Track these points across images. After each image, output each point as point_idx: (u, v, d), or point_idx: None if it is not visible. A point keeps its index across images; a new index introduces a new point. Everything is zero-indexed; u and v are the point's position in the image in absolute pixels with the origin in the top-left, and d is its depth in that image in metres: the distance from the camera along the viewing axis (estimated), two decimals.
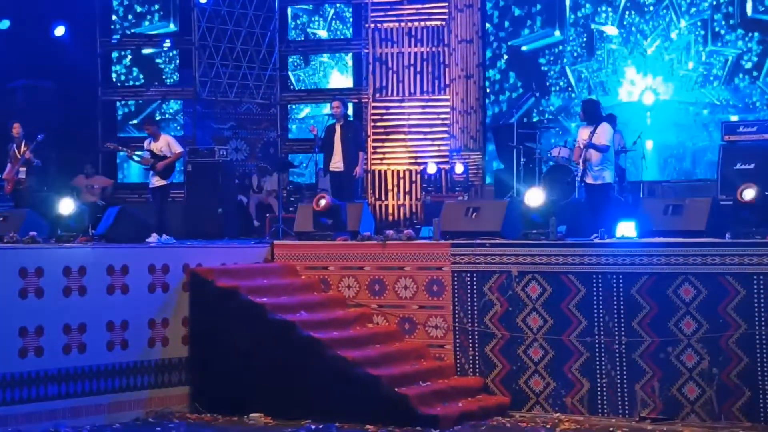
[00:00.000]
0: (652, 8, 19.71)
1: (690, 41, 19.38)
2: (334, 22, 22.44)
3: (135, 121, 22.23)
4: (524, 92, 20.62)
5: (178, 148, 17.04)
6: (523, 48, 20.72)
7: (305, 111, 22.50)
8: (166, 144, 16.94)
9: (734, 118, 18.56)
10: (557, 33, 20.49)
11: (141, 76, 22.53)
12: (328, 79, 22.53)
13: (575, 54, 20.33)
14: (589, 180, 14.73)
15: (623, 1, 19.97)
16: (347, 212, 15.09)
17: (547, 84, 20.47)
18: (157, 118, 21.97)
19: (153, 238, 14.83)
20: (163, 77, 22.64)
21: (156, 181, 16.90)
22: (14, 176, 16.94)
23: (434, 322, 13.83)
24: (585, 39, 20.20)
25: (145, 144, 17.07)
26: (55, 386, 12.27)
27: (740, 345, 12.22)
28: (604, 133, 14.59)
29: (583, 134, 14.85)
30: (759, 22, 18.94)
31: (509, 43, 20.86)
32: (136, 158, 17.29)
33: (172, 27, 22.43)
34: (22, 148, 16.95)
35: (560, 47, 20.40)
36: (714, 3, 19.19)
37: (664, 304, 12.55)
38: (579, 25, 20.23)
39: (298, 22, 22.52)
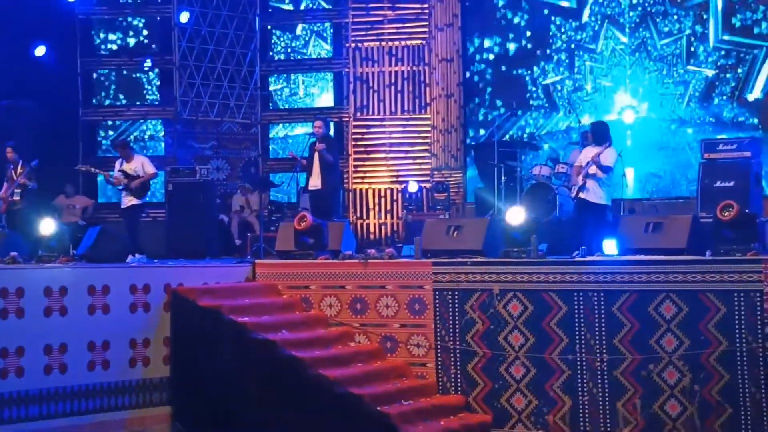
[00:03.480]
0: (629, 27, 19.76)
1: (669, 59, 19.44)
2: (313, 41, 22.45)
3: (107, 143, 22.17)
4: (505, 110, 20.65)
5: (151, 169, 17.08)
6: (502, 68, 20.75)
7: (275, 130, 22.45)
8: (140, 164, 16.96)
9: (714, 136, 18.60)
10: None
11: (121, 96, 22.48)
12: (313, 98, 22.52)
13: (554, 72, 20.36)
14: (583, 194, 14.68)
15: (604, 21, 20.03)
16: (329, 231, 15.10)
17: (529, 102, 20.48)
18: (134, 137, 21.96)
19: (128, 258, 14.82)
20: (145, 96, 22.60)
21: (129, 201, 16.87)
22: (9, 197, 16.92)
23: (416, 340, 13.84)
24: (566, 57, 20.24)
25: (117, 165, 17.05)
26: (36, 407, 12.24)
27: (721, 362, 12.26)
28: (611, 156, 14.68)
29: (591, 153, 14.86)
30: (736, 41, 19.01)
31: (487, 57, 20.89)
32: (110, 179, 17.24)
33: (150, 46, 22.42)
34: (18, 170, 16.93)
35: (541, 65, 20.43)
36: (693, 21, 19.25)
37: (645, 322, 12.59)
38: (561, 42, 20.27)
39: (280, 41, 22.51)
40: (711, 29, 19.15)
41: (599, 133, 14.97)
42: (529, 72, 20.47)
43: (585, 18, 20.05)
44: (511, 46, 20.66)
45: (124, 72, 22.40)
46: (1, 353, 11.99)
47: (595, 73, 20.01)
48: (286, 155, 21.37)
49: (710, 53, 19.12)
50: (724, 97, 19.04)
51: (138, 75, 22.44)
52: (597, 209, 14.78)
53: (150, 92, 22.38)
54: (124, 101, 22.29)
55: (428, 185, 20.34)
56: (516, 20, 20.62)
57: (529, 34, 20.53)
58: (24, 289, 12.30)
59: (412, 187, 20.15)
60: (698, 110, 19.21)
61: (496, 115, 20.60)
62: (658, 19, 19.53)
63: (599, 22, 20.00)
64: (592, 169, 14.67)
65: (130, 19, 22.15)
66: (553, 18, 20.30)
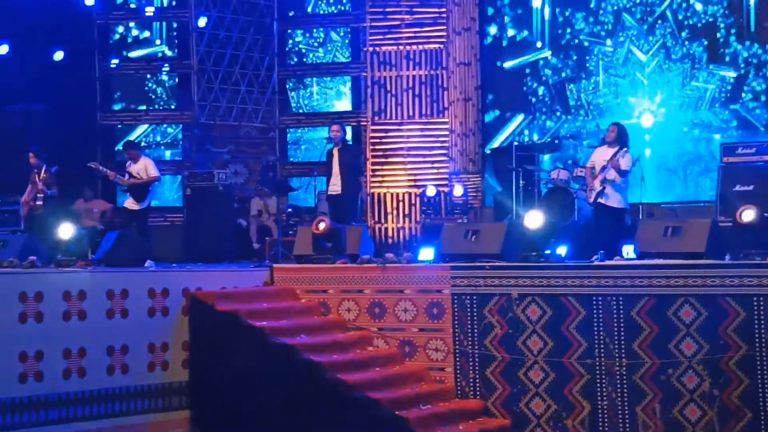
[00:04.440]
0: (647, 28, 19.76)
1: (689, 62, 19.41)
2: (331, 45, 22.48)
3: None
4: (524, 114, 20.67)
5: (153, 173, 16.87)
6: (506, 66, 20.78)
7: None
8: (143, 167, 16.81)
9: (733, 139, 18.57)
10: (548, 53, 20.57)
11: (139, 100, 22.54)
12: (331, 102, 22.55)
13: (572, 76, 20.36)
14: (602, 200, 14.66)
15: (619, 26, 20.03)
16: (347, 235, 15.09)
17: (546, 105, 20.48)
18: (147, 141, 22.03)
19: (146, 263, 14.85)
20: (162, 101, 22.66)
21: (130, 205, 16.79)
22: (32, 201, 17.00)
23: (434, 344, 13.81)
24: (583, 60, 20.23)
25: (127, 166, 16.99)
26: (55, 411, 12.22)
27: (741, 366, 12.19)
28: (629, 159, 14.65)
29: (605, 154, 14.83)
30: (757, 44, 18.98)
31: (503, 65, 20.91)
32: (116, 179, 17.19)
33: (168, 51, 22.47)
34: (42, 175, 17.00)
35: (556, 68, 20.44)
36: (712, 21, 19.22)
37: (664, 326, 12.52)
38: (575, 46, 20.27)
39: (298, 46, 22.54)
40: (739, 29, 19.12)
41: (621, 135, 14.90)
42: (548, 74, 20.49)
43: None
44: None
45: (143, 76, 22.45)
46: (21, 357, 11.99)
47: (612, 75, 19.98)
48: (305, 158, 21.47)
49: (733, 55, 19.08)
50: (746, 100, 18.99)
51: (156, 79, 22.49)
52: (616, 213, 14.77)
53: (168, 96, 22.43)
54: (142, 105, 22.33)
55: (446, 189, 20.33)
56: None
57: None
58: (43, 293, 12.30)
59: (431, 192, 20.14)
60: (719, 113, 19.17)
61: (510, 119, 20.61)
62: (679, 22, 19.54)
63: (617, 24, 20.01)
64: (611, 174, 14.63)
65: (148, 23, 22.20)
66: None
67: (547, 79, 20.51)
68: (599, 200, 14.73)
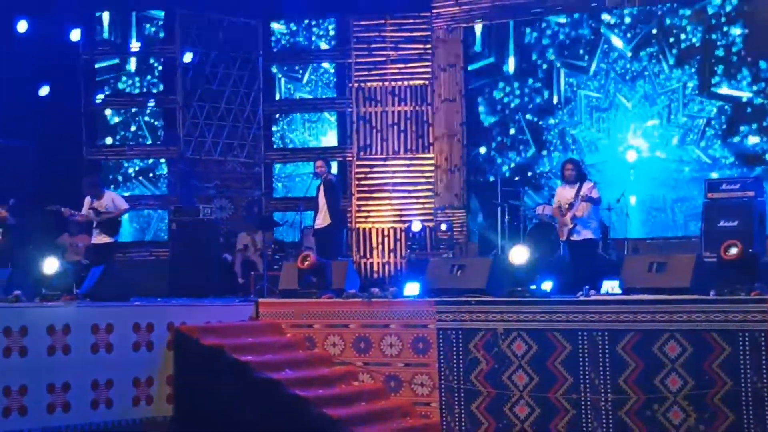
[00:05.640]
0: (633, 65, 19.85)
1: (672, 98, 19.50)
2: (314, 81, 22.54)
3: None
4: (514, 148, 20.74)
5: (123, 205, 16.77)
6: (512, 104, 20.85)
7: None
8: (110, 201, 16.64)
9: (716, 175, 18.64)
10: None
11: (124, 135, 22.54)
12: (318, 138, 22.59)
13: (561, 113, 20.43)
14: (575, 237, 14.94)
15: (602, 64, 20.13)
16: (332, 270, 15.09)
17: (541, 141, 20.54)
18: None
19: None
20: (148, 136, 22.67)
21: (101, 239, 16.69)
22: None
23: (420, 379, 13.80)
24: (570, 97, 20.32)
25: (86, 203, 16.80)
26: None
27: (726, 402, 12.19)
28: (594, 188, 14.90)
29: (567, 193, 15.09)
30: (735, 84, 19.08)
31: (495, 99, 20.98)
32: (74, 216, 17.03)
33: (154, 87, 22.49)
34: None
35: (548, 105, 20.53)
36: (699, 59, 19.33)
37: (649, 362, 12.54)
38: (565, 82, 20.36)
39: (284, 81, 22.59)
40: (718, 67, 19.22)
41: (578, 169, 15.30)
42: (533, 111, 20.57)
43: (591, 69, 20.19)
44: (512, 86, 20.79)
45: (128, 112, 22.46)
46: (4, 392, 11.95)
47: (596, 111, 20.07)
48: (288, 194, 21.50)
49: (715, 91, 19.18)
50: (728, 136, 19.07)
51: (142, 115, 22.50)
52: (588, 244, 15.21)
53: (154, 132, 22.43)
54: (128, 141, 22.32)
55: (431, 224, 20.37)
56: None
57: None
58: (27, 327, 12.28)
59: (416, 227, 20.16)
60: (703, 149, 19.24)
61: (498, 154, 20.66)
62: (660, 61, 19.64)
63: (603, 69, 20.12)
64: (579, 210, 14.91)
65: (134, 59, 22.22)
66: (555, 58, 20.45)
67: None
68: (572, 238, 14.99)
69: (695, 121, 19.32)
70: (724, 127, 19.07)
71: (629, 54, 19.83)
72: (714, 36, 19.22)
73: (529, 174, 20.48)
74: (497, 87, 20.89)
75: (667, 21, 19.58)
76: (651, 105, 19.65)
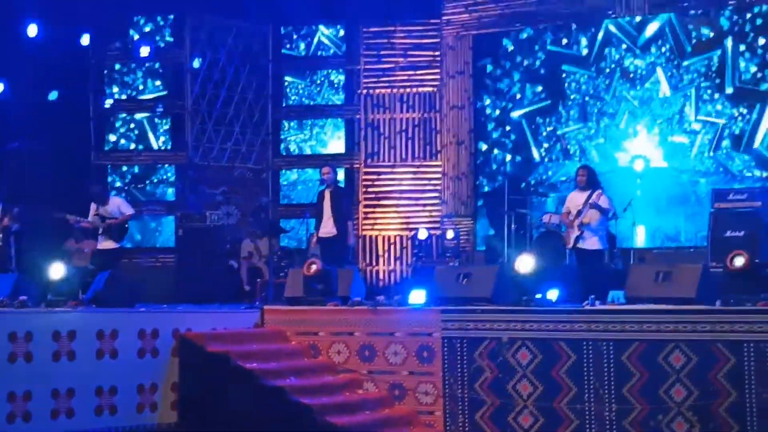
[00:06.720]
0: (641, 75, 19.82)
1: (680, 109, 19.47)
2: (325, 87, 22.54)
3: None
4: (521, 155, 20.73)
5: (129, 210, 16.84)
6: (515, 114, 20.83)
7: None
8: (116, 207, 16.72)
9: (724, 185, 18.60)
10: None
11: (133, 140, 22.56)
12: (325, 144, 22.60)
13: (568, 120, 20.41)
14: (582, 244, 14.91)
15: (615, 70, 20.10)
16: (338, 278, 15.09)
17: (549, 149, 20.53)
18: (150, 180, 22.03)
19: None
20: (157, 141, 22.69)
21: (107, 245, 16.73)
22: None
23: (424, 388, 13.79)
24: (578, 105, 20.30)
25: (92, 209, 16.85)
26: None
27: (730, 413, 12.16)
28: (603, 196, 14.91)
29: (578, 199, 15.07)
30: (747, 90, 19.02)
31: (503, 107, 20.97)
32: (79, 223, 17.07)
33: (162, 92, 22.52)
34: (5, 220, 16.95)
35: (554, 112, 20.50)
36: (703, 71, 19.29)
37: (654, 372, 12.51)
38: (573, 91, 20.34)
39: (292, 87, 22.59)
40: (726, 78, 19.16)
41: (592, 177, 15.29)
42: (541, 119, 20.55)
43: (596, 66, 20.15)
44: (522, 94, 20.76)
45: (137, 117, 22.48)
46: (9, 398, 11.96)
47: (605, 120, 20.05)
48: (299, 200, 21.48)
49: (721, 103, 19.13)
50: (736, 147, 19.02)
51: (150, 120, 22.52)
52: (594, 255, 15.20)
53: (162, 137, 22.45)
54: (136, 146, 22.34)
55: (438, 232, 20.36)
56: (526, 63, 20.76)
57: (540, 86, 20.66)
58: (33, 333, 12.29)
59: (422, 234, 20.15)
60: (709, 159, 19.21)
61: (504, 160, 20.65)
62: (669, 72, 19.61)
63: (611, 71, 20.08)
64: (587, 218, 14.92)
65: (143, 64, 22.24)
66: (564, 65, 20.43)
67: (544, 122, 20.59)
68: (578, 245, 14.99)
69: (704, 128, 19.27)
70: (735, 134, 19.04)
71: (640, 62, 19.79)
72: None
73: (536, 182, 20.45)
74: (505, 94, 20.87)
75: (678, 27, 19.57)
76: (659, 111, 19.61)
